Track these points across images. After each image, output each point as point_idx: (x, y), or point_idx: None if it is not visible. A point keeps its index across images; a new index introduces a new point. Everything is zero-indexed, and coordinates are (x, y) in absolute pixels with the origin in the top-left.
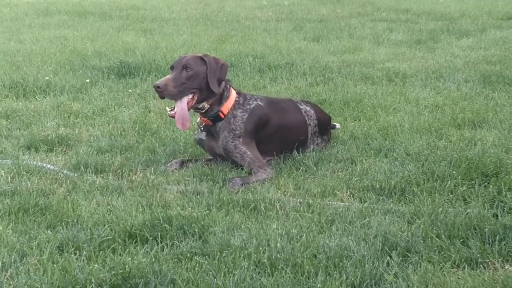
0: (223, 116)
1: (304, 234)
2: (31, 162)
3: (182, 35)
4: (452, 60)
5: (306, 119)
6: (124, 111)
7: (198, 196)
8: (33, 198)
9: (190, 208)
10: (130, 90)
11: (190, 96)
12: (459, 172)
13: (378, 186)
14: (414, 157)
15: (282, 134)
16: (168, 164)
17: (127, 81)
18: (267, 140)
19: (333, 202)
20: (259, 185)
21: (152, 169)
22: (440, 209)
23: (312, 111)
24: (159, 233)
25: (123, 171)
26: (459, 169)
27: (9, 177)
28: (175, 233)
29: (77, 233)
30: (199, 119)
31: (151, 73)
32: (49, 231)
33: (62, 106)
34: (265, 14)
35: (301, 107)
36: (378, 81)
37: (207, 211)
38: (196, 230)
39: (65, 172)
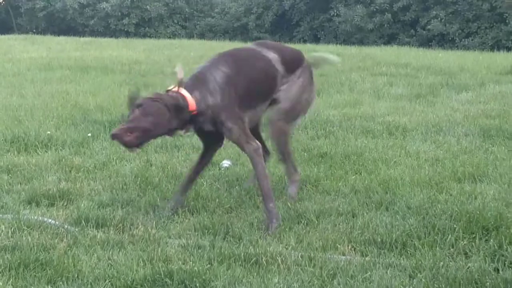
0: (196, 113)
1: None
2: (32, 217)
3: None
4: (452, 114)
5: (275, 65)
6: (125, 165)
7: (200, 250)
8: (33, 253)
9: (191, 262)
10: None
11: None
12: (459, 226)
13: (379, 239)
14: (415, 211)
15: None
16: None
17: None
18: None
19: (335, 256)
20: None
21: (154, 223)
22: (441, 263)
23: (277, 56)
24: None
25: (124, 225)
26: (459, 223)
27: (10, 232)
28: None
29: None
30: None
31: None
32: (49, 287)
33: (63, 160)
34: None
35: (265, 54)
36: (379, 135)
37: (208, 265)
38: (198, 284)
39: (66, 226)
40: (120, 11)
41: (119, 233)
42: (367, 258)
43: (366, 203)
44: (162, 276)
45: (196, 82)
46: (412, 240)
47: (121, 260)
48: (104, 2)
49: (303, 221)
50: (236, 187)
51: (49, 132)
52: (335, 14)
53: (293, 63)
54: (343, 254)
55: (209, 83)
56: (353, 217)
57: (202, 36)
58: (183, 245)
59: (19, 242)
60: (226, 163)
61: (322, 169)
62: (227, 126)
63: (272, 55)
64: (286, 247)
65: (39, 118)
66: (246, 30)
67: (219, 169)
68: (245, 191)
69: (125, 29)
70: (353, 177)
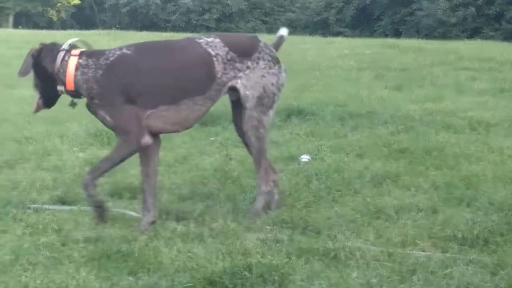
0: (72, 88)
1: (385, 284)
2: (114, 209)
3: None
4: None
5: (210, 50)
6: (205, 159)
7: (278, 244)
8: (115, 244)
9: (270, 256)
10: (211, 139)
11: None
12: None
13: (460, 236)
14: (498, 207)
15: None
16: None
17: (209, 129)
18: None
19: (414, 252)
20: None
21: (233, 216)
22: None
23: (218, 40)
24: (239, 281)
25: (204, 218)
26: None
27: (93, 224)
28: (255, 281)
29: (158, 280)
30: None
31: (232, 122)
32: (131, 278)
33: None
34: (347, 63)
35: (201, 41)
36: (461, 130)
37: (286, 259)
38: (276, 278)
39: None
40: (201, 6)
41: (199, 226)
42: (447, 254)
43: (447, 199)
44: (241, 269)
45: (91, 56)
46: (494, 237)
47: (201, 253)
48: None
49: (382, 217)
50: (315, 182)
51: None
52: (417, 8)
53: (245, 46)
54: (423, 250)
55: (104, 60)
56: (434, 213)
57: None
58: (261, 239)
59: (101, 234)
60: (305, 157)
61: (402, 164)
62: (99, 114)
63: (209, 40)
64: (365, 242)
65: None
66: (326, 24)
67: (298, 163)
68: (324, 185)
69: (206, 24)
70: (433, 172)
